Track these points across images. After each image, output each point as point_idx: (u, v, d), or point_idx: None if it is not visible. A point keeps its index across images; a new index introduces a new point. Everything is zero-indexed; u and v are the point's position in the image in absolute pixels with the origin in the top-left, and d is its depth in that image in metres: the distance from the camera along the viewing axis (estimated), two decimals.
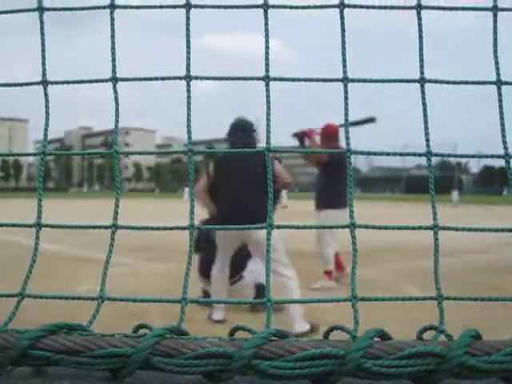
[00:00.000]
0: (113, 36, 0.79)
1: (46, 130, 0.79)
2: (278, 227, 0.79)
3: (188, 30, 0.77)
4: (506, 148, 0.75)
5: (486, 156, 0.80)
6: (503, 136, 0.75)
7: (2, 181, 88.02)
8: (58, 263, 7.26)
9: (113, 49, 0.79)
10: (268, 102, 0.77)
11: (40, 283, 4.78)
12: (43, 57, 0.79)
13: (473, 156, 0.81)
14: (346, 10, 0.77)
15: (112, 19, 0.78)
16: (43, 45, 0.80)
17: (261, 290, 5.22)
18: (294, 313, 4.06)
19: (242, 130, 4.53)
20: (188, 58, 0.78)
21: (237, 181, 4.19)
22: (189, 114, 0.76)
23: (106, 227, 0.78)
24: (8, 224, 0.80)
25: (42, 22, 0.79)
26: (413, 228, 0.77)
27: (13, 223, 0.79)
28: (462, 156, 0.81)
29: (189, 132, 0.77)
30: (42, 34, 0.79)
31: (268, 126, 0.76)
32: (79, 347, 0.65)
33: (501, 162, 0.76)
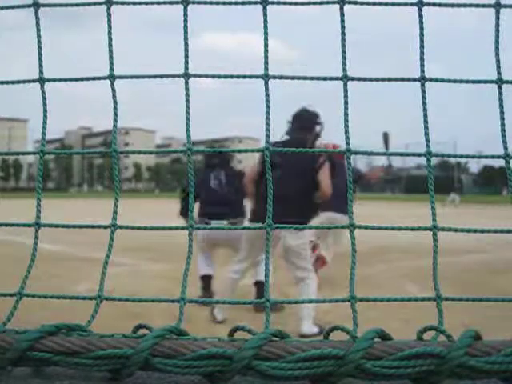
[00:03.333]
0: (110, 33, 0.78)
1: (44, 128, 0.79)
2: (277, 227, 0.79)
3: (186, 26, 0.77)
4: (505, 148, 0.75)
5: (486, 156, 0.80)
6: (503, 136, 0.75)
7: (2, 181, 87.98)
8: (58, 263, 7.27)
9: (110, 45, 0.78)
10: (267, 100, 0.77)
11: (40, 283, 4.79)
12: (40, 54, 0.79)
13: (472, 156, 0.80)
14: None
15: (109, 15, 0.78)
16: (39, 42, 0.79)
17: (261, 288, 5.20)
18: (303, 315, 4.04)
19: (300, 122, 4.15)
20: (186, 56, 0.77)
21: (281, 176, 3.73)
22: (187, 113, 0.76)
23: (106, 227, 0.78)
24: (7, 224, 0.80)
25: (37, 18, 0.79)
26: (412, 229, 0.77)
27: (12, 223, 0.79)
28: (461, 156, 0.81)
29: (188, 131, 0.76)
30: (38, 30, 0.79)
31: (267, 124, 0.76)
32: (78, 348, 0.64)
33: (501, 162, 0.76)
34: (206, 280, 5.18)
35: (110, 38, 0.79)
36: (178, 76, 0.77)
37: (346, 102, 0.76)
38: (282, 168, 3.72)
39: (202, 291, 5.11)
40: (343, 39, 0.76)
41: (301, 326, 3.99)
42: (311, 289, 4.10)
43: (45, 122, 0.79)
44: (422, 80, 0.77)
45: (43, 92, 0.80)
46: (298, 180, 4.01)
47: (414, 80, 0.77)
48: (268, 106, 0.77)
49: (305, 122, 4.18)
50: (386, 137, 6.02)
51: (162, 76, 0.78)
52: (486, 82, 0.77)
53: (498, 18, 0.76)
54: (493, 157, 0.78)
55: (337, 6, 0.77)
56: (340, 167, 4.95)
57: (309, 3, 0.78)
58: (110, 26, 0.78)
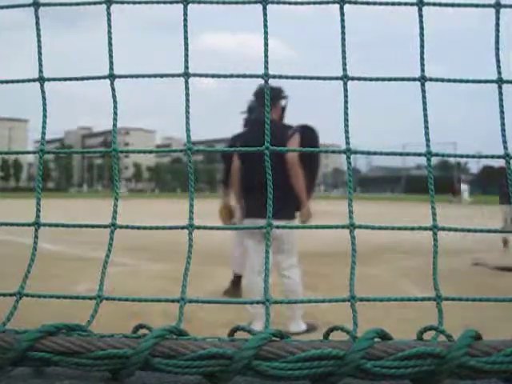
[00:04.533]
0: (109, 32, 0.78)
1: (43, 128, 0.79)
2: (277, 227, 0.79)
3: (185, 26, 0.77)
4: (505, 148, 0.75)
5: (486, 156, 0.80)
6: (503, 136, 0.75)
7: (2, 181, 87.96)
8: (58, 263, 7.27)
9: (110, 45, 0.78)
10: (267, 100, 0.77)
11: (40, 283, 4.78)
12: (39, 53, 0.79)
13: (473, 156, 0.80)
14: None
15: (108, 14, 0.78)
16: (39, 41, 0.79)
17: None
18: (291, 313, 4.04)
19: (262, 98, 4.18)
20: (186, 55, 0.77)
21: (254, 166, 3.49)
22: (187, 112, 0.76)
23: (105, 226, 0.78)
24: (6, 223, 0.80)
25: (37, 18, 0.79)
26: (412, 228, 0.77)
27: (11, 222, 0.79)
28: (461, 156, 0.80)
29: (187, 130, 0.76)
30: (38, 29, 0.79)
31: (267, 123, 0.76)
32: (78, 348, 0.64)
33: (500, 163, 0.75)
34: (238, 280, 5.28)
35: (110, 38, 0.78)
36: (178, 75, 0.77)
37: (346, 102, 0.76)
38: (256, 153, 3.59)
39: (233, 288, 5.25)
40: (343, 39, 0.76)
41: (288, 324, 3.99)
42: (296, 285, 4.08)
43: (45, 122, 0.79)
44: (422, 80, 0.77)
45: (43, 92, 0.80)
46: (272, 163, 3.80)
47: (414, 80, 0.77)
48: (268, 106, 0.77)
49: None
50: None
51: (161, 75, 0.78)
52: (486, 81, 0.77)
53: (498, 18, 0.76)
54: (493, 157, 0.77)
55: (337, 6, 0.77)
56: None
57: (308, 3, 0.78)
58: (109, 26, 0.78)
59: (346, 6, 0.77)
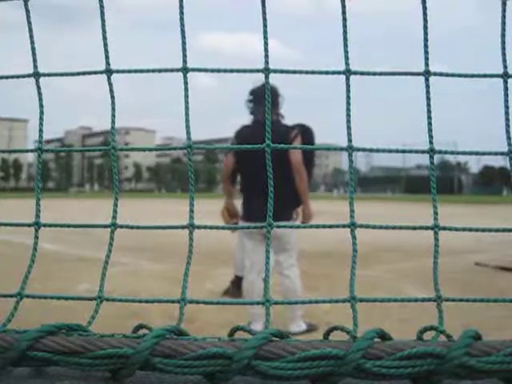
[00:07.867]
0: (103, 25, 0.78)
1: (40, 124, 0.79)
2: (278, 227, 0.78)
3: (182, 18, 0.76)
4: (510, 144, 0.74)
5: (490, 153, 0.79)
6: (507, 132, 0.74)
7: (2, 181, 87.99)
8: (58, 263, 7.27)
9: (104, 39, 0.78)
10: (268, 95, 0.76)
11: (40, 283, 4.79)
12: (33, 48, 0.79)
13: (476, 153, 0.79)
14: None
15: (101, 7, 0.77)
16: (31, 36, 0.79)
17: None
18: (291, 313, 4.05)
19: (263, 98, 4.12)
20: (184, 50, 0.77)
21: (254, 167, 3.59)
22: (187, 108, 0.76)
23: (106, 226, 0.78)
24: (6, 224, 0.80)
25: (27, 11, 0.78)
26: (413, 228, 0.77)
27: (11, 223, 0.79)
28: (464, 153, 0.80)
29: (187, 127, 0.76)
30: (29, 23, 0.78)
31: (268, 120, 0.75)
32: (78, 348, 0.64)
33: (501, 162, 0.75)
34: (238, 280, 5.33)
35: (104, 31, 0.78)
36: (177, 70, 0.76)
37: (348, 97, 0.75)
38: (257, 154, 3.40)
39: (234, 290, 5.30)
40: (345, 32, 0.75)
41: (289, 325, 4.00)
42: (292, 289, 4.09)
43: (41, 119, 0.79)
44: (426, 74, 0.76)
45: (39, 87, 0.79)
46: (273, 164, 3.80)
47: (418, 74, 0.76)
48: (269, 101, 0.76)
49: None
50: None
51: (160, 70, 0.77)
52: (491, 76, 0.76)
53: (504, 10, 0.75)
54: (496, 153, 0.77)
55: (338, 4, 0.76)
56: None
57: None
58: (103, 20, 0.78)
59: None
